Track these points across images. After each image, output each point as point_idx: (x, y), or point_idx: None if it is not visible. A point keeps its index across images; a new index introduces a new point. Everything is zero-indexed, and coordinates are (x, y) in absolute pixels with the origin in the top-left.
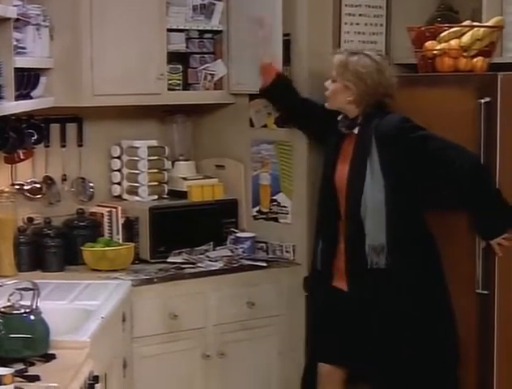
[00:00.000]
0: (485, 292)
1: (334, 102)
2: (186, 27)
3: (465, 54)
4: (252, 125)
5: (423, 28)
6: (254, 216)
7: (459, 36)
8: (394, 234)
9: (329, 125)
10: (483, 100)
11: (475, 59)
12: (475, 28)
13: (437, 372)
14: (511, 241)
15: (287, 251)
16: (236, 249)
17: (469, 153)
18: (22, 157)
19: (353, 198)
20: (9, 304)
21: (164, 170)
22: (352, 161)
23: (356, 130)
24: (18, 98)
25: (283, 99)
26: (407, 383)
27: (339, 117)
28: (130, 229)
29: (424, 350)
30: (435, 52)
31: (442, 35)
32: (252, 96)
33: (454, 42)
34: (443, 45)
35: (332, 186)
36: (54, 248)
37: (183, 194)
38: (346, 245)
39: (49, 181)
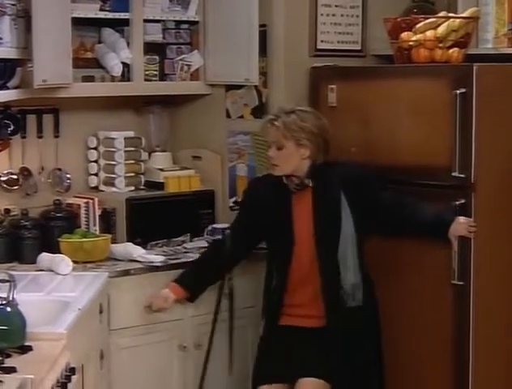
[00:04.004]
0: (461, 283)
1: (288, 166)
2: (163, 18)
3: (441, 45)
4: (228, 116)
5: (399, 19)
6: (231, 207)
7: (435, 27)
8: (362, 271)
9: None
10: (458, 91)
11: (450, 50)
12: (451, 19)
13: None
14: (471, 227)
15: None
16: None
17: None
18: None
19: (329, 243)
20: None
21: (141, 161)
22: (319, 210)
23: (310, 183)
24: None
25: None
26: None
27: (285, 180)
28: (107, 220)
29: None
30: (411, 43)
31: (418, 26)
32: (228, 87)
33: (429, 33)
34: (419, 36)
35: (289, 243)
36: (31, 239)
37: (160, 185)
38: (323, 288)
39: (25, 172)
